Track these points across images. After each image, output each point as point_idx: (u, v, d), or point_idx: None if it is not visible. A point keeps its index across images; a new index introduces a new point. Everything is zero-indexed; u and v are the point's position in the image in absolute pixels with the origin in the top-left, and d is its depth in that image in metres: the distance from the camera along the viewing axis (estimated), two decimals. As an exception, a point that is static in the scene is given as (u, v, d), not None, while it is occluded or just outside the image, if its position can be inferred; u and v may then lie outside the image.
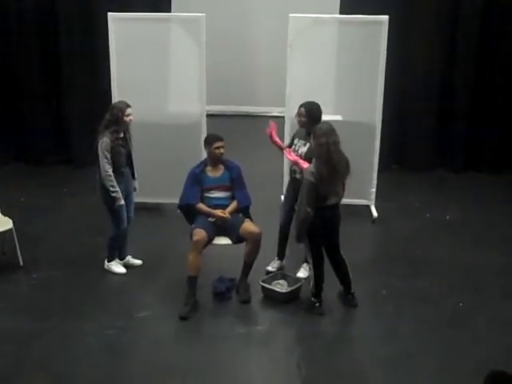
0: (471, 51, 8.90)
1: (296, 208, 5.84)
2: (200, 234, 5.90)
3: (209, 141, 6.18)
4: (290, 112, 6.75)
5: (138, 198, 6.92)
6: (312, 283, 5.86)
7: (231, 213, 6.12)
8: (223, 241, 6.18)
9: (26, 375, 5.07)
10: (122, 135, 6.17)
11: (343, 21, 7.68)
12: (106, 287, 6.35)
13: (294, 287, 6.13)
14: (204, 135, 7.41)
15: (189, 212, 6.21)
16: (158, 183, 7.46)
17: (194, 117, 7.61)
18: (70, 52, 8.96)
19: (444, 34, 8.92)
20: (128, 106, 6.14)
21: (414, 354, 5.35)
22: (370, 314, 5.99)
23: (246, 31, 11.22)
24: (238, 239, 6.11)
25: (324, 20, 7.53)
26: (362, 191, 7.75)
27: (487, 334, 5.63)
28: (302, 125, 6.16)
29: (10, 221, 6.49)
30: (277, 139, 6.34)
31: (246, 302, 6.06)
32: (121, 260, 6.61)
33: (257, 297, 6.13)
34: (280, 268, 6.54)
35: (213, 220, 6.06)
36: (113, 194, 6.09)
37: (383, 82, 7.53)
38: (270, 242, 6.37)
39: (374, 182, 7.85)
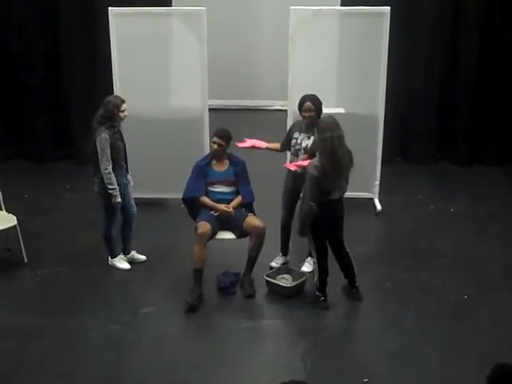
0: (474, 43, 8.86)
1: (298, 201, 5.85)
2: (205, 226, 5.90)
3: (212, 134, 6.18)
4: (293, 105, 6.73)
5: (140, 194, 6.92)
6: (316, 277, 5.86)
7: (235, 207, 6.12)
8: (227, 235, 6.18)
9: (28, 372, 5.07)
10: (116, 129, 6.15)
11: (344, 13, 7.65)
12: (110, 283, 6.35)
13: (298, 281, 6.13)
14: (206, 130, 7.45)
15: (192, 205, 6.20)
16: (160, 178, 7.45)
17: (196, 111, 7.60)
18: (71, 47, 8.94)
19: (446, 26, 8.88)
20: (123, 101, 6.10)
21: (418, 347, 5.35)
22: (374, 307, 5.99)
23: (247, 24, 11.18)
24: (241, 234, 6.10)
25: (325, 12, 7.49)
26: (366, 184, 7.73)
27: (491, 326, 5.62)
28: (310, 119, 6.05)
29: (14, 218, 6.50)
30: (257, 143, 6.35)
31: (251, 296, 6.06)
32: (125, 255, 6.61)
33: (261, 291, 6.13)
34: (284, 263, 6.54)
35: (216, 214, 6.06)
36: (110, 191, 6.07)
37: (385, 74, 7.50)
38: (273, 237, 6.37)
39: (378, 174, 7.83)
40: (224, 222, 6.10)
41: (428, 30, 8.86)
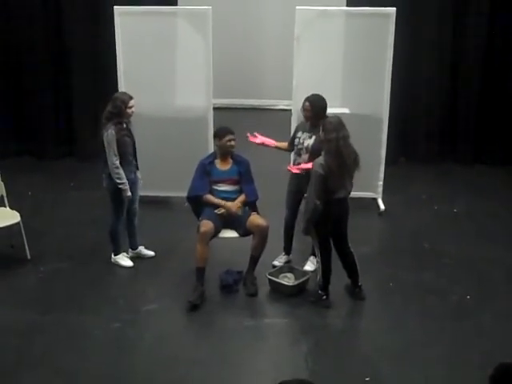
0: (480, 43, 8.85)
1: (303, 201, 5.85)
2: (207, 225, 5.91)
3: (220, 134, 6.17)
4: (297, 105, 6.73)
5: (144, 192, 6.92)
6: (319, 276, 5.86)
7: (239, 206, 6.13)
8: (230, 234, 6.18)
9: (29, 368, 5.08)
10: (124, 125, 6.18)
11: (350, 13, 7.65)
12: (113, 280, 6.36)
13: (301, 280, 6.13)
14: (211, 129, 7.45)
15: (197, 204, 6.20)
16: (165, 177, 7.45)
17: (200, 110, 7.60)
18: (75, 45, 8.96)
19: (452, 26, 8.88)
20: (131, 97, 6.13)
21: (421, 347, 5.34)
22: (377, 307, 5.99)
23: (252, 24, 11.19)
24: (244, 232, 6.11)
25: (331, 12, 7.49)
26: (369, 184, 7.73)
27: (494, 326, 5.62)
28: (307, 119, 6.15)
29: (18, 214, 6.51)
30: (267, 141, 6.37)
31: (253, 294, 6.06)
32: (133, 250, 6.62)
33: (264, 290, 6.13)
34: (287, 262, 6.54)
35: (219, 212, 6.06)
36: (120, 186, 6.10)
37: (390, 75, 7.50)
38: (277, 236, 6.37)
39: (381, 174, 7.83)
40: (227, 220, 6.11)
41: (433, 31, 8.86)
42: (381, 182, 7.85)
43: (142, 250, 6.69)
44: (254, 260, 6.12)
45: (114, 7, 7.40)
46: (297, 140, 6.23)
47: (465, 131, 9.17)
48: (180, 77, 7.69)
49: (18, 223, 6.48)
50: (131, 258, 6.60)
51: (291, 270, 6.32)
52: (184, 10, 7.82)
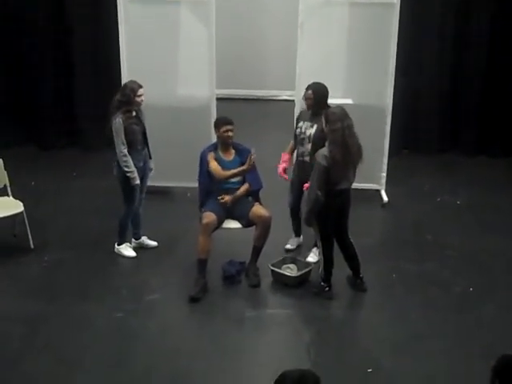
0: (484, 33, 8.82)
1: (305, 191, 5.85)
2: (210, 217, 5.90)
3: (218, 124, 6.15)
4: (300, 95, 6.70)
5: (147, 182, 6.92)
6: (321, 267, 5.86)
7: (242, 194, 6.11)
8: (233, 224, 6.18)
9: (33, 357, 5.10)
10: (134, 114, 6.17)
11: (354, 2, 7.59)
12: (116, 270, 6.37)
13: (303, 271, 6.14)
14: (214, 119, 7.42)
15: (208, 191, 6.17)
16: (167, 167, 7.44)
17: (203, 100, 7.59)
18: (80, 34, 8.93)
19: (456, 16, 8.83)
20: (140, 86, 6.13)
21: (423, 338, 5.35)
22: (379, 298, 5.99)
23: (255, 14, 11.15)
24: (247, 223, 6.10)
25: (335, 1, 7.46)
26: (372, 175, 7.71)
27: (496, 318, 5.62)
28: (309, 107, 6.14)
29: (21, 204, 6.52)
30: (286, 161, 6.39)
31: (256, 285, 6.07)
32: (136, 240, 6.62)
33: (266, 281, 6.14)
34: (298, 245, 6.57)
35: (222, 201, 6.03)
36: (128, 174, 6.11)
37: (394, 65, 7.47)
38: (280, 225, 6.37)
39: (385, 166, 7.81)
40: (230, 211, 6.10)
41: (437, 21, 8.82)
42: (384, 174, 7.84)
43: (145, 240, 6.69)
44: (257, 251, 6.12)
45: (118, -4, 7.38)
46: (298, 130, 6.22)
47: (468, 123, 9.14)
48: (183, 66, 7.68)
49: (21, 213, 6.49)
50: (134, 249, 6.60)
51: (294, 261, 6.32)
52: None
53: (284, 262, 6.28)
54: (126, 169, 6.10)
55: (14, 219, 6.60)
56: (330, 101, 6.15)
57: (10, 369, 4.95)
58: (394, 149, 8.26)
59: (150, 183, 6.69)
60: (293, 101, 7.64)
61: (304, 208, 5.81)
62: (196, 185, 6.30)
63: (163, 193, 7.77)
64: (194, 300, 5.80)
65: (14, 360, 5.06)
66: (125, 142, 6.08)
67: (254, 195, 6.22)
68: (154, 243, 6.71)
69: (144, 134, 6.33)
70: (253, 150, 5.95)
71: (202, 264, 5.93)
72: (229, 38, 10.02)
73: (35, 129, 9.30)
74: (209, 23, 7.34)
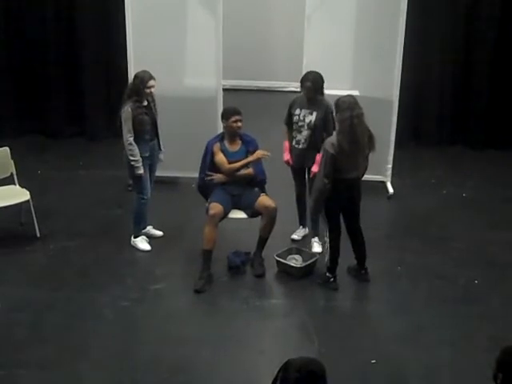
0: (493, 24, 8.76)
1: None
2: (216, 207, 5.91)
3: (226, 114, 6.14)
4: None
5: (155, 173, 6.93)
6: (328, 257, 5.86)
7: (244, 175, 6.10)
8: (238, 215, 6.19)
9: (39, 345, 5.13)
10: (145, 103, 6.18)
11: (361, -6, 7.58)
12: (122, 259, 6.38)
13: (308, 262, 6.14)
14: (220, 110, 7.41)
15: (208, 186, 6.18)
16: (173, 157, 7.44)
17: (210, 91, 7.59)
18: (86, 24, 8.92)
19: (463, 6, 8.78)
20: (151, 77, 6.13)
21: (428, 330, 5.37)
22: (384, 290, 6.00)
23: (263, 5, 11.12)
24: (253, 213, 6.11)
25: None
26: (378, 167, 7.69)
27: (501, 310, 5.63)
28: (309, 97, 6.16)
29: (27, 192, 6.54)
30: (287, 151, 6.41)
31: (261, 276, 6.08)
32: (142, 230, 6.63)
33: (272, 271, 6.15)
34: (304, 236, 6.60)
35: (209, 178, 6.05)
36: (132, 163, 6.12)
37: (401, 57, 7.45)
38: (286, 216, 6.38)
39: (391, 158, 7.80)
40: (236, 201, 6.11)
41: (445, 12, 8.77)
42: (390, 166, 7.83)
43: (151, 229, 6.71)
44: (262, 241, 6.12)
45: (125, -15, 7.37)
46: (296, 117, 6.22)
47: (476, 115, 9.10)
48: (190, 57, 7.68)
49: (27, 201, 6.51)
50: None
51: (299, 251, 6.33)
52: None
53: (289, 252, 6.29)
54: (131, 157, 6.11)
55: (21, 208, 6.62)
56: (337, 92, 6.14)
57: (16, 356, 4.98)
58: (401, 141, 8.24)
59: (156, 173, 6.68)
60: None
61: (311, 197, 5.80)
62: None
63: (169, 183, 7.77)
64: (198, 292, 5.81)
65: (20, 347, 5.09)
66: (132, 131, 6.08)
67: (259, 186, 6.22)
68: (159, 233, 6.72)
69: (154, 124, 6.33)
70: (267, 152, 6.01)
71: (208, 255, 5.94)
72: (236, 28, 9.98)
73: (42, 118, 9.30)
74: (216, 14, 7.32)
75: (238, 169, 6.07)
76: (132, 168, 6.17)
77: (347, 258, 5.99)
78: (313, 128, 6.09)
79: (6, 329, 5.32)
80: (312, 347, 5.16)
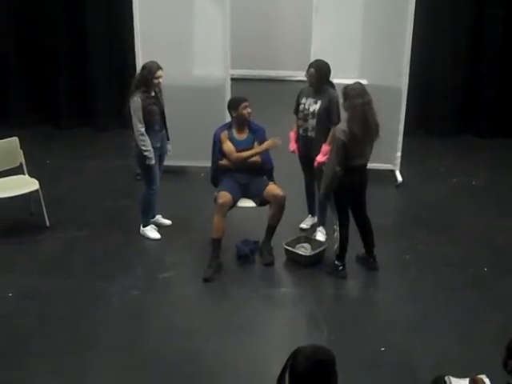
0: (499, 13, 8.71)
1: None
2: (225, 196, 5.92)
3: (235, 103, 6.13)
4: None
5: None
6: (337, 245, 5.85)
7: (251, 162, 6.10)
8: (247, 203, 6.19)
9: (49, 333, 5.16)
10: (153, 94, 6.18)
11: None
12: (130, 248, 6.39)
13: (317, 250, 6.15)
14: (228, 99, 7.41)
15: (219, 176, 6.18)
16: (181, 146, 7.44)
17: (218, 80, 7.58)
18: (94, 14, 8.92)
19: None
20: (159, 67, 6.12)
21: (437, 318, 5.37)
22: (392, 278, 6.00)
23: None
24: (261, 202, 6.12)
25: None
26: (387, 156, 7.69)
27: (510, 298, 5.61)
28: (312, 84, 6.17)
29: (37, 182, 6.56)
30: (293, 139, 6.41)
31: (270, 264, 6.09)
32: (151, 219, 6.64)
33: (280, 260, 6.16)
34: (313, 224, 6.60)
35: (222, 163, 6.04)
36: (145, 153, 6.11)
37: (410, 46, 7.42)
38: (294, 205, 6.39)
39: (400, 146, 7.78)
40: (245, 190, 6.11)
41: (454, 1, 8.72)
42: (399, 154, 7.81)
43: (159, 218, 6.72)
44: (271, 230, 6.13)
45: (132, -26, 7.35)
46: (302, 106, 6.23)
47: (485, 104, 9.06)
48: (198, 47, 7.67)
49: (36, 191, 6.53)
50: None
51: (308, 240, 6.33)
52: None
53: (298, 241, 6.29)
54: (143, 148, 6.11)
55: (30, 197, 6.65)
56: (346, 81, 6.12)
57: (25, 344, 5.02)
58: (410, 129, 8.21)
59: (164, 162, 6.69)
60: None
61: (321, 184, 5.79)
62: (210, 164, 6.32)
63: (177, 172, 7.78)
64: (207, 281, 5.83)
65: (29, 336, 5.12)
66: (142, 121, 6.09)
67: (267, 175, 6.22)
68: (168, 222, 6.74)
69: (162, 114, 6.33)
70: (278, 140, 6.00)
71: (217, 244, 5.95)
72: (244, 18, 9.96)
73: (50, 108, 9.32)
74: (224, 3, 7.30)
75: (246, 158, 6.06)
76: (142, 158, 6.17)
77: (356, 246, 5.99)
78: (317, 117, 6.09)
79: (17, 317, 5.36)
80: (321, 335, 5.17)
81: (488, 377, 3.70)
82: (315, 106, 6.13)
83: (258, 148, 6.09)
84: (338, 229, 5.80)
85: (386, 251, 6.17)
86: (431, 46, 8.81)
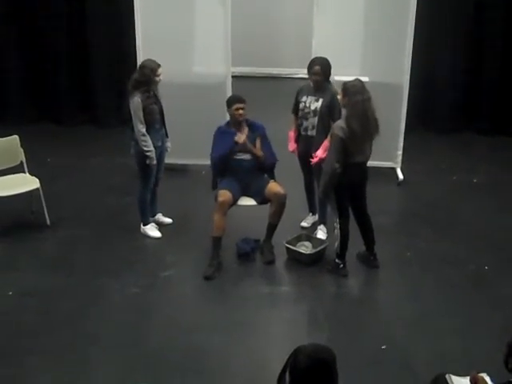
0: (500, 11, 8.70)
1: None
2: (225, 195, 5.91)
3: (229, 102, 6.14)
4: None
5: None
6: (338, 243, 5.85)
7: (255, 153, 6.10)
8: (248, 201, 6.19)
9: (51, 331, 5.15)
10: (151, 93, 6.17)
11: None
12: (131, 246, 6.39)
13: (318, 249, 6.14)
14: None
15: (221, 169, 6.16)
16: (182, 144, 7.44)
17: (219, 78, 7.57)
18: (96, 11, 8.91)
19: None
20: (159, 65, 6.11)
21: (438, 316, 5.36)
22: (394, 276, 5.99)
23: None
24: (262, 200, 6.11)
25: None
26: (388, 153, 7.68)
27: (511, 297, 5.60)
28: (317, 82, 6.12)
29: (37, 180, 6.55)
30: (292, 139, 6.41)
31: (271, 262, 6.08)
32: (151, 217, 6.64)
33: (281, 258, 6.15)
34: (314, 223, 6.60)
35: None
36: (147, 154, 6.10)
37: (412, 43, 7.40)
38: (295, 203, 6.38)
39: (401, 144, 7.77)
40: (245, 188, 6.10)
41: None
42: (400, 152, 7.80)
43: (160, 217, 6.72)
44: (272, 228, 6.12)
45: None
46: (302, 104, 6.21)
47: (486, 101, 9.05)
48: (198, 44, 7.66)
49: (37, 189, 6.53)
50: (149, 226, 6.64)
51: (309, 238, 6.32)
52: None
53: (299, 239, 6.29)
54: (145, 148, 6.10)
55: (31, 195, 6.64)
56: (347, 78, 6.11)
57: (26, 342, 5.02)
58: (411, 126, 8.19)
59: (165, 161, 6.69)
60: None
61: (320, 181, 5.78)
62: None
63: (178, 170, 7.78)
64: (208, 279, 5.83)
65: (30, 333, 5.12)
66: (143, 122, 6.07)
67: (268, 171, 6.21)
68: (168, 220, 6.74)
69: (161, 112, 6.33)
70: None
71: (217, 242, 5.94)
72: (245, 15, 9.95)
73: (52, 106, 9.32)
74: (225, 1, 7.29)
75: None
76: (141, 157, 6.16)
77: (356, 244, 5.98)
78: (319, 115, 6.07)
79: (18, 315, 5.36)
80: (322, 334, 5.17)
81: (489, 375, 3.71)
82: (317, 104, 6.11)
83: (253, 149, 6.09)
84: (338, 226, 5.79)
85: (386, 249, 6.16)
86: (433, 43, 8.79)
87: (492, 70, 8.93)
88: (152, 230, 6.54)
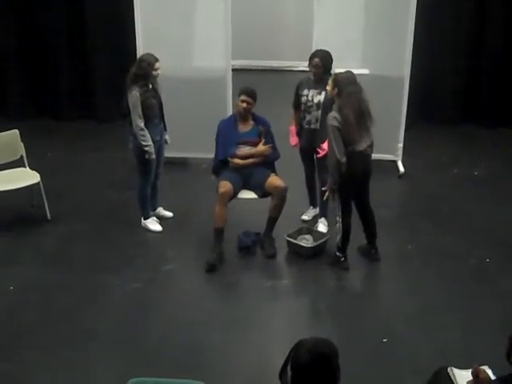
0: (501, 4, 8.66)
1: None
2: (226, 186, 5.90)
3: (239, 92, 6.13)
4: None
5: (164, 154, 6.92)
6: (339, 236, 5.83)
7: (257, 155, 6.11)
8: (248, 195, 6.18)
9: (51, 326, 5.15)
10: (150, 86, 6.15)
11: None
12: (132, 240, 6.38)
13: (319, 242, 6.13)
14: (229, 90, 7.41)
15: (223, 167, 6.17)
16: (182, 138, 7.43)
17: (219, 71, 7.55)
18: (95, 7, 8.87)
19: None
20: (156, 59, 6.08)
21: (439, 309, 5.36)
22: (395, 269, 5.98)
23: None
24: (263, 193, 6.10)
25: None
26: (389, 146, 7.66)
27: (513, 290, 5.61)
28: (316, 75, 6.09)
29: (38, 175, 6.54)
30: (294, 133, 6.39)
31: (272, 256, 6.07)
32: (152, 211, 6.63)
33: (282, 251, 6.14)
34: (315, 216, 6.58)
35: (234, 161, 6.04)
36: (146, 148, 6.08)
37: (412, 35, 7.37)
38: (296, 196, 6.38)
39: (401, 137, 7.75)
40: (246, 181, 6.10)
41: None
42: (401, 145, 7.78)
43: (161, 210, 6.71)
44: (273, 221, 6.11)
45: (133, -34, 7.32)
46: (304, 98, 6.18)
47: (488, 94, 9.01)
48: (199, 37, 7.64)
49: (37, 183, 6.52)
50: (150, 220, 6.63)
51: (310, 231, 6.31)
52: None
53: (300, 232, 6.28)
54: (144, 143, 6.08)
55: (31, 190, 6.63)
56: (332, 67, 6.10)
57: (26, 337, 5.02)
58: (412, 119, 8.17)
59: (165, 154, 6.70)
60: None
61: (328, 178, 5.73)
62: (211, 155, 6.29)
63: (179, 164, 7.77)
64: (210, 267, 5.82)
65: (30, 328, 5.12)
66: (141, 116, 6.05)
67: (269, 167, 6.20)
68: (169, 214, 6.73)
69: (160, 106, 6.31)
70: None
71: (219, 233, 5.94)
72: (245, 8, 9.91)
73: (51, 101, 9.29)
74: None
75: (248, 164, 6.07)
76: (140, 152, 6.14)
77: (358, 237, 5.97)
78: (322, 108, 6.05)
79: (18, 310, 5.36)
80: (323, 327, 5.17)
81: (491, 367, 3.71)
82: (320, 97, 6.08)
83: (253, 150, 6.08)
84: (340, 220, 5.77)
85: (387, 242, 6.15)
86: (433, 36, 8.76)
87: (493, 62, 8.87)
88: (153, 224, 6.53)
